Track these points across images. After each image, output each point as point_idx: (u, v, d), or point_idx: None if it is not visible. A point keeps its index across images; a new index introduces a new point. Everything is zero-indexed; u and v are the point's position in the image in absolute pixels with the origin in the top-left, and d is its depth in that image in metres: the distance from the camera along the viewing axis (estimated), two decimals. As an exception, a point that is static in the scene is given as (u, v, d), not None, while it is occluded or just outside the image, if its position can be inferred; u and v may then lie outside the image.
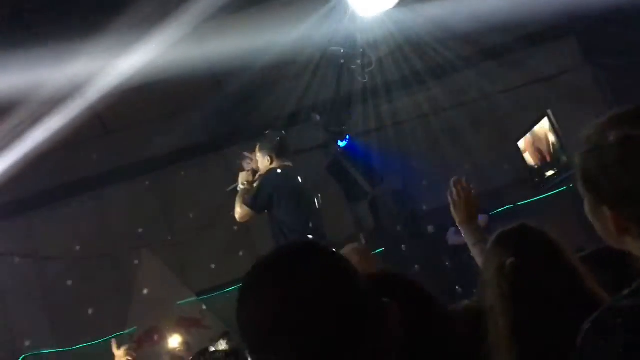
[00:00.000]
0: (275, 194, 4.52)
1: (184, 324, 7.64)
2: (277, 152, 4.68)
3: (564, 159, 6.43)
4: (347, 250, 3.05)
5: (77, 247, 7.66)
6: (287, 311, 0.91)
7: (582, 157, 1.18)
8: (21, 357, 7.59)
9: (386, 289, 1.03)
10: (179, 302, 7.83)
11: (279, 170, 4.61)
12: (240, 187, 4.76)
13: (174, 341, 6.76)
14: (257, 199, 4.59)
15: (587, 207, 1.20)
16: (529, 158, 7.21)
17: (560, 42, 7.94)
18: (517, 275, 1.70)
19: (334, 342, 0.90)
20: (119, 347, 3.59)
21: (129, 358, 3.41)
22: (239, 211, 4.69)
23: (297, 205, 4.55)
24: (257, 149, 4.76)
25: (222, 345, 4.86)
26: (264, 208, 4.61)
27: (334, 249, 1.04)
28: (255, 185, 4.73)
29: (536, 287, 1.68)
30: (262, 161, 4.69)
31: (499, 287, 1.72)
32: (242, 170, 4.86)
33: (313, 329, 0.90)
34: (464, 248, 7.38)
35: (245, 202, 4.63)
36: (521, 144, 7.26)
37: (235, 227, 7.82)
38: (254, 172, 4.78)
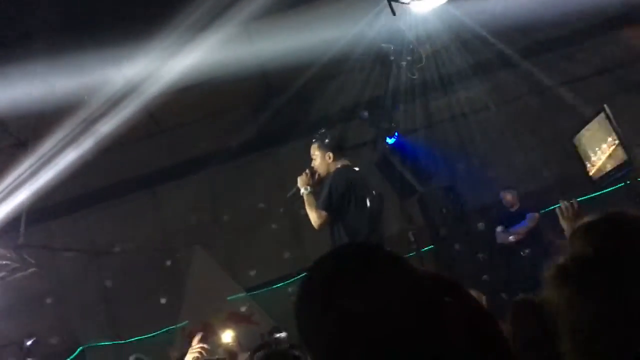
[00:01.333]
0: (346, 192, 4.33)
1: (234, 319, 7.74)
2: (337, 149, 4.53)
3: (622, 154, 6.22)
4: None
5: (132, 243, 7.87)
6: (358, 309, 0.92)
7: None
8: (79, 349, 7.85)
9: (446, 289, 1.03)
10: (229, 298, 7.95)
11: (345, 169, 4.46)
12: (303, 191, 4.47)
13: (227, 336, 6.85)
14: (332, 200, 4.35)
15: None
16: (585, 154, 7.00)
17: (616, 34, 7.69)
18: (599, 268, 1.63)
19: (406, 337, 0.90)
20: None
21: (202, 348, 3.39)
22: (316, 219, 4.37)
23: (363, 205, 4.40)
24: (316, 148, 4.56)
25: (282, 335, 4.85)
26: (339, 208, 4.34)
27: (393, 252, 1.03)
28: (323, 186, 4.47)
29: (617, 282, 1.53)
30: (323, 160, 4.52)
31: (579, 281, 1.64)
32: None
33: (386, 326, 0.90)
34: (513, 246, 7.24)
35: (320, 207, 4.35)
36: (577, 139, 7.05)
37: (285, 224, 7.92)
38: (312, 172, 4.53)
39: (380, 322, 0.90)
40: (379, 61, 6.64)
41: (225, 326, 7.42)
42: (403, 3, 2.45)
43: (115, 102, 6.08)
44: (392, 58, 6.36)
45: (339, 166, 4.50)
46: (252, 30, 6.16)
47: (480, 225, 7.52)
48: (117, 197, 8.05)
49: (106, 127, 6.32)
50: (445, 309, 0.96)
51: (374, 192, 4.61)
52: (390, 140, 7.42)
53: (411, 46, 6.15)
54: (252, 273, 7.95)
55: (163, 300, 7.77)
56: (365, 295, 0.92)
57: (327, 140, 4.56)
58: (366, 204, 4.42)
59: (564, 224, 3.00)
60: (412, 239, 6.96)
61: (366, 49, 6.42)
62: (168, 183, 8.14)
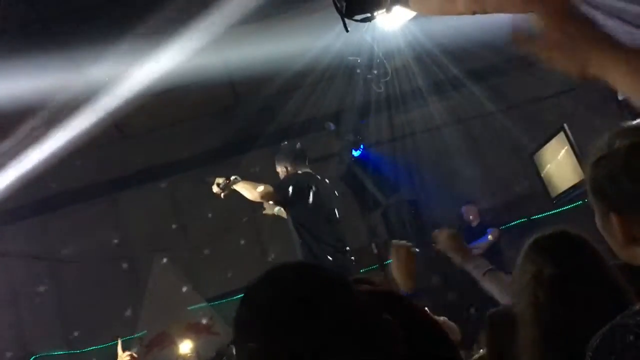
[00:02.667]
0: (296, 190, 4.44)
1: (194, 330, 7.64)
2: (292, 162, 4.67)
3: (580, 172, 6.37)
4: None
5: (91, 251, 7.70)
6: (283, 318, 0.92)
7: (590, 168, 1.21)
8: (32, 358, 7.63)
9: (388, 306, 1.02)
10: (189, 308, 7.85)
11: (300, 173, 4.61)
12: (233, 179, 4.54)
13: (185, 347, 6.76)
14: (283, 184, 4.51)
15: (597, 220, 1.21)
16: (544, 171, 7.16)
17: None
18: (555, 284, 1.62)
19: (335, 354, 0.89)
20: (124, 349, 3.59)
21: (130, 356, 3.41)
22: (256, 190, 4.38)
23: (318, 208, 4.48)
24: (275, 163, 4.74)
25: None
26: (286, 199, 4.46)
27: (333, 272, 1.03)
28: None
29: (574, 297, 1.59)
30: (280, 173, 4.70)
31: (534, 296, 1.63)
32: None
33: (311, 341, 0.90)
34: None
35: (271, 184, 4.46)
36: (537, 157, 7.21)
37: (248, 235, 7.85)
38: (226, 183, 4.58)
39: (319, 348, 0.89)
40: (345, 74, 6.68)
41: (184, 336, 7.32)
42: (357, 21, 2.50)
43: (76, 107, 5.97)
44: (358, 71, 6.41)
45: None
46: (220, 40, 6.13)
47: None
48: (76, 204, 7.89)
49: (67, 132, 6.19)
50: (385, 325, 0.95)
51: (337, 200, 4.68)
52: (355, 153, 7.45)
53: (378, 60, 6.20)
54: (214, 283, 7.86)
55: (121, 309, 7.61)
56: (302, 324, 0.92)
57: (282, 155, 4.66)
58: (320, 208, 4.48)
59: (450, 250, 2.71)
60: (375, 251, 6.99)
61: (333, 61, 6.45)
62: (129, 190, 8.02)
